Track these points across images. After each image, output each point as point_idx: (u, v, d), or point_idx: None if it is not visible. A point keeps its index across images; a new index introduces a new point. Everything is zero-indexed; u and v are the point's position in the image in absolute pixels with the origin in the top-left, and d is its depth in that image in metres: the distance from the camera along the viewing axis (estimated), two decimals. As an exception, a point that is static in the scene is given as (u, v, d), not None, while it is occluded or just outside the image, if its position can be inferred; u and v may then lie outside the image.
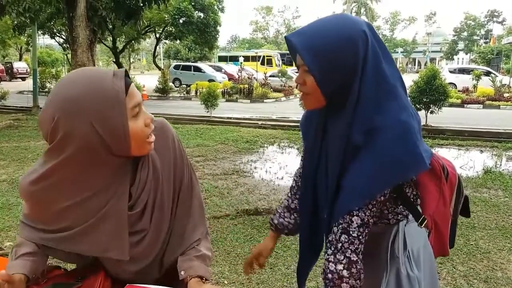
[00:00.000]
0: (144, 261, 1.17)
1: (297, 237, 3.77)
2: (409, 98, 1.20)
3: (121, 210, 1.07)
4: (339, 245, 1.08)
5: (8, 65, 32.93)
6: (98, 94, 0.94)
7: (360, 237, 1.08)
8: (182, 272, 1.16)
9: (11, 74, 32.18)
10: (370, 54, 1.06)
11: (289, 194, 1.53)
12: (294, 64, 1.18)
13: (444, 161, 1.32)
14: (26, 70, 32.45)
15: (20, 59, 38.58)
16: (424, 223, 1.23)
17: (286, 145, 8.30)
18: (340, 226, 1.09)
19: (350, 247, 1.08)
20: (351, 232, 1.08)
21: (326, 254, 1.11)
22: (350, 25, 1.07)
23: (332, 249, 1.09)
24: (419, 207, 1.25)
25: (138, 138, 1.01)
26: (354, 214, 1.08)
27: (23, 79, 31.52)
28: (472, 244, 3.56)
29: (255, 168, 6.40)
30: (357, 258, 1.08)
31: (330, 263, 1.09)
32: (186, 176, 1.21)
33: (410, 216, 1.25)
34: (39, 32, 22.06)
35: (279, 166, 6.52)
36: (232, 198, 4.85)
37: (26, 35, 25.11)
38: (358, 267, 1.07)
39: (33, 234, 1.12)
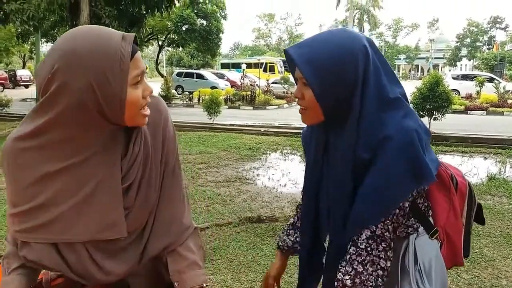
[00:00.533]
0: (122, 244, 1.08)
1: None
2: (411, 105, 1.19)
3: (115, 180, 1.00)
4: (348, 256, 1.10)
5: (11, 72, 33.16)
6: (103, 53, 0.89)
7: (369, 249, 1.07)
8: (176, 284, 1.13)
9: (15, 82, 32.39)
10: (371, 68, 1.06)
11: (296, 212, 1.50)
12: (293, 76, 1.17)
13: (453, 170, 1.30)
14: (29, 77, 32.67)
15: (23, 67, 38.90)
16: (436, 235, 1.22)
17: (289, 152, 8.28)
18: (352, 239, 1.10)
19: (357, 259, 1.08)
20: (359, 244, 1.08)
21: (340, 265, 1.12)
22: (351, 39, 1.06)
23: (345, 260, 1.11)
24: (430, 219, 1.23)
25: (133, 107, 0.96)
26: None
27: (26, 86, 31.72)
28: (476, 252, 3.53)
29: (258, 175, 6.38)
30: (362, 269, 1.07)
31: (339, 273, 1.10)
32: (171, 162, 1.14)
33: (421, 229, 1.22)
34: (43, 40, 22.21)
35: (282, 173, 6.50)
36: (234, 206, 4.84)
37: (29, 43, 25.32)
38: (362, 278, 1.07)
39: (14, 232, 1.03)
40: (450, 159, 7.50)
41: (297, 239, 1.42)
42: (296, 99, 1.15)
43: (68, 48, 0.90)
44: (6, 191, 1.04)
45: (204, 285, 1.14)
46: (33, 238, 1.01)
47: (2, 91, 25.15)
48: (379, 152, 1.05)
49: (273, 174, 6.43)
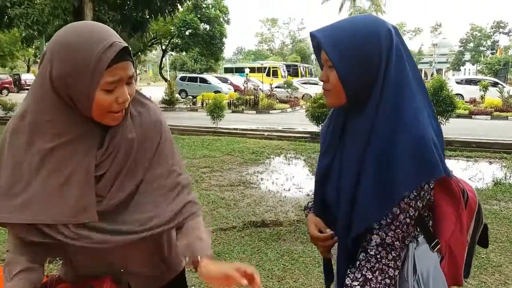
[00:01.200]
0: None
1: (305, 250, 3.70)
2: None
3: (87, 168, 1.04)
4: (357, 263, 1.09)
5: (16, 77, 33.30)
6: (81, 54, 0.95)
7: (378, 256, 1.06)
8: (187, 258, 1.13)
9: (19, 86, 32.52)
10: (394, 54, 1.06)
11: None
12: (318, 66, 1.16)
13: (465, 186, 1.26)
14: (34, 81, 32.82)
15: (28, 71, 39.09)
16: (437, 247, 1.18)
17: (293, 156, 8.26)
18: (362, 245, 1.09)
19: (366, 265, 1.07)
20: (368, 250, 1.07)
21: (349, 270, 1.11)
22: (375, 24, 1.08)
23: (355, 266, 1.10)
24: (431, 229, 1.20)
25: (101, 108, 1.00)
26: (374, 232, 1.07)
27: (31, 90, 31.85)
28: (483, 258, 3.49)
29: (262, 179, 6.36)
30: (372, 276, 1.06)
31: (348, 278, 1.10)
32: (166, 163, 1.18)
33: (420, 238, 1.18)
34: (47, 44, 22.36)
35: (286, 178, 6.48)
36: (238, 210, 4.82)
37: (34, 47, 25.50)
38: (372, 285, 1.06)
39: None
40: (455, 164, 7.45)
41: None
42: (322, 83, 1.16)
43: (59, 38, 0.99)
44: None
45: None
46: (9, 218, 1.03)
47: (6, 95, 25.30)
48: (389, 142, 1.03)
49: (277, 178, 6.41)
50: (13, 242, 1.10)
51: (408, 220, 1.07)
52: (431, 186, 1.11)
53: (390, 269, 1.07)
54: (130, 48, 1.07)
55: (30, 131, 1.03)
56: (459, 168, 7.20)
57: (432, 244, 1.18)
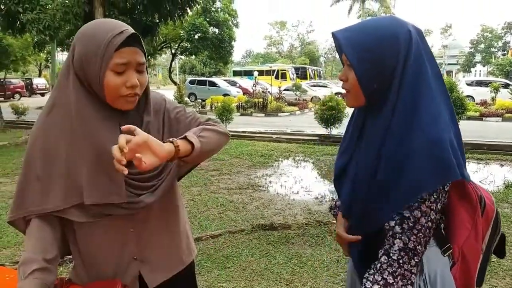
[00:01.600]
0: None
1: (313, 253, 3.69)
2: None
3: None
4: (379, 265, 1.08)
5: (28, 81, 33.72)
6: (95, 39, 1.09)
7: (400, 261, 1.06)
8: (178, 140, 1.15)
9: (31, 90, 32.94)
10: (413, 55, 1.07)
11: None
12: (340, 64, 1.20)
13: (483, 193, 1.25)
14: (45, 86, 33.21)
15: (39, 75, 39.49)
16: (449, 252, 1.17)
17: (301, 159, 8.25)
18: (384, 248, 1.09)
19: (388, 269, 1.06)
20: (391, 254, 1.07)
21: (367, 273, 1.11)
22: (396, 25, 1.10)
23: (373, 268, 1.10)
24: (443, 232, 1.19)
25: (111, 91, 1.10)
26: (397, 237, 1.06)
27: (42, 94, 32.24)
28: (493, 261, 3.45)
29: (270, 182, 6.37)
30: (393, 281, 1.06)
31: (368, 282, 1.09)
32: (181, 117, 1.32)
33: (431, 240, 1.17)
34: (58, 49, 22.58)
35: (294, 181, 6.47)
36: (247, 213, 4.82)
37: (45, 52, 25.73)
38: None
39: (41, 202, 1.13)
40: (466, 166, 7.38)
41: None
42: (342, 82, 1.18)
43: (82, 29, 1.15)
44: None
45: (195, 145, 1.17)
46: (65, 203, 1.13)
47: (19, 99, 25.62)
48: (404, 143, 1.04)
49: (285, 181, 6.41)
50: (31, 240, 1.13)
51: (429, 223, 1.07)
52: (446, 189, 1.10)
53: (413, 276, 1.07)
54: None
55: (60, 119, 1.13)
56: (470, 170, 7.10)
57: (443, 248, 1.17)
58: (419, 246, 1.07)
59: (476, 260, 1.21)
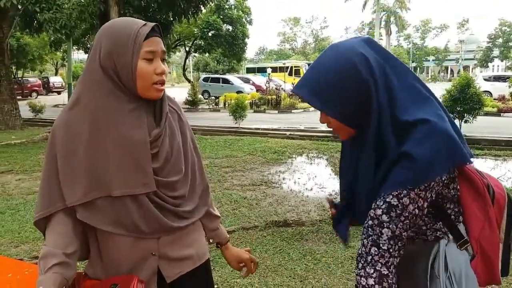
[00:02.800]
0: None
1: (327, 250, 3.66)
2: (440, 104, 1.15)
3: (143, 145, 1.17)
4: (369, 258, 1.05)
5: (44, 79, 34.30)
6: (124, 31, 1.16)
7: (391, 250, 1.04)
8: (211, 240, 1.48)
9: (48, 88, 33.49)
10: (377, 72, 1.05)
11: None
12: None
13: (490, 180, 1.22)
14: (62, 84, 33.70)
15: (56, 74, 40.14)
16: (465, 246, 1.15)
17: (315, 155, 8.23)
18: (370, 238, 1.05)
19: (380, 260, 1.04)
20: (381, 245, 1.04)
21: (357, 269, 1.08)
22: (344, 52, 1.07)
23: (362, 262, 1.06)
24: (462, 225, 1.17)
25: (143, 79, 1.16)
26: (384, 226, 1.04)
27: (59, 93, 32.75)
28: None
29: (284, 179, 6.37)
30: (387, 272, 1.03)
31: (362, 278, 1.05)
32: (194, 142, 1.42)
33: (450, 235, 1.16)
34: (74, 48, 22.88)
35: (308, 177, 6.46)
36: (260, 209, 4.84)
37: (61, 50, 26.14)
38: (389, 281, 1.03)
39: (66, 197, 1.16)
40: (483, 163, 7.27)
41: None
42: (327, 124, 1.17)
43: (105, 27, 1.21)
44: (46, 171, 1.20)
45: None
46: (89, 197, 1.15)
47: (36, 98, 26.06)
48: (408, 135, 1.04)
49: (299, 178, 6.40)
50: (52, 234, 1.15)
51: (417, 211, 1.05)
52: (443, 178, 1.08)
53: (396, 259, 1.06)
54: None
55: (83, 113, 1.16)
56: (487, 167, 7.01)
57: (459, 243, 1.15)
58: (405, 233, 1.05)
59: (496, 250, 1.19)
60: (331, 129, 1.18)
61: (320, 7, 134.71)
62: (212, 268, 1.47)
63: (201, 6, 15.24)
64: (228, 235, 1.54)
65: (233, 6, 27.21)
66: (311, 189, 5.79)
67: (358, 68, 1.04)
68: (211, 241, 1.48)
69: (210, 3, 16.15)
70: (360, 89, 1.05)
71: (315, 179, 6.33)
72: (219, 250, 1.53)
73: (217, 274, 3.15)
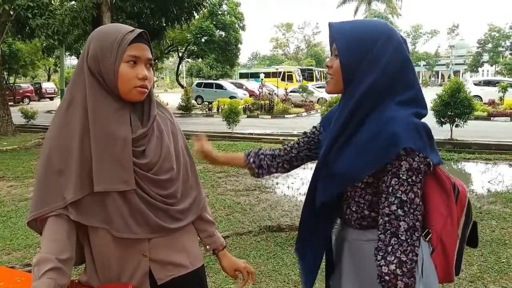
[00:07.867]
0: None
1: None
2: (432, 112, 1.25)
3: (127, 144, 1.20)
4: (389, 248, 1.13)
5: (37, 85, 34.06)
6: (110, 36, 1.22)
7: (409, 240, 1.12)
8: (208, 247, 1.50)
9: (40, 94, 33.28)
10: (390, 51, 1.19)
11: (283, 147, 1.68)
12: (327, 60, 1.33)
13: (456, 181, 1.30)
14: (54, 90, 33.52)
15: (48, 80, 39.82)
16: (429, 237, 1.23)
17: (308, 160, 8.24)
18: (389, 231, 1.14)
19: (400, 249, 1.12)
20: (399, 235, 1.13)
21: (376, 261, 1.14)
22: (391, 28, 1.24)
23: (381, 254, 1.14)
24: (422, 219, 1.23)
25: (125, 82, 1.21)
26: (401, 219, 1.13)
27: (51, 98, 32.57)
28: (503, 262, 3.44)
29: (277, 184, 6.38)
30: (406, 259, 1.11)
31: (383, 267, 1.13)
32: (187, 148, 1.46)
33: None
34: (67, 54, 22.80)
35: (301, 182, 6.48)
36: (254, 215, 4.84)
37: (54, 56, 25.99)
38: (408, 267, 1.11)
39: (56, 197, 1.17)
40: (473, 167, 7.34)
41: (265, 163, 1.66)
42: (327, 68, 1.31)
43: (96, 30, 1.27)
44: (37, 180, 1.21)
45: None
46: (79, 194, 1.17)
47: (28, 104, 25.88)
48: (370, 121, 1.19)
49: (292, 183, 6.42)
50: (46, 241, 1.15)
51: (419, 200, 1.15)
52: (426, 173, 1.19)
53: (416, 248, 1.14)
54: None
55: (75, 113, 1.20)
56: (478, 171, 7.09)
57: (423, 233, 1.23)
58: (417, 222, 1.14)
59: (453, 246, 1.27)
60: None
61: (312, 13, 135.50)
62: (206, 274, 1.47)
63: (194, 12, 15.29)
64: (224, 242, 1.55)
65: (226, 12, 27.25)
66: (304, 194, 5.79)
67: (378, 37, 1.20)
68: (207, 247, 1.50)
69: (203, 9, 16.19)
70: (379, 53, 1.19)
71: (308, 184, 6.33)
72: (212, 256, 1.54)
73: (211, 279, 3.14)
